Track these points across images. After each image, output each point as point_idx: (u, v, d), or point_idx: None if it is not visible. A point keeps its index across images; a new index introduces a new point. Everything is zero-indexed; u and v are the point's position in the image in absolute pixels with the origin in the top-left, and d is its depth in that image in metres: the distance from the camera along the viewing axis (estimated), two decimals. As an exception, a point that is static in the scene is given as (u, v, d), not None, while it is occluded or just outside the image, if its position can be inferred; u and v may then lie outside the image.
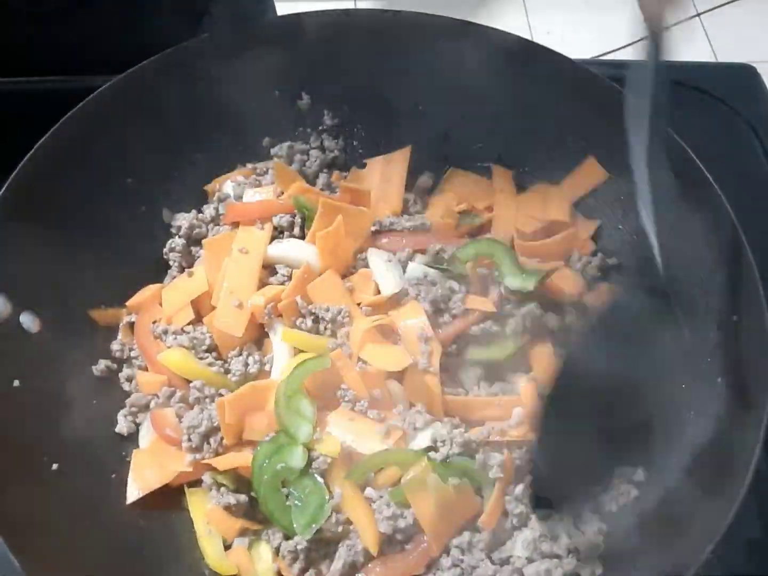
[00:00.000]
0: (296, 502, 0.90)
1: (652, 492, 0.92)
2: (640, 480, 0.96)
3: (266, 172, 1.18)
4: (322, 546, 0.92)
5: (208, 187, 1.19)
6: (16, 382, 0.92)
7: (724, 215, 0.94)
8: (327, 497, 0.90)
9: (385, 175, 1.18)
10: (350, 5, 2.79)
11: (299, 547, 0.89)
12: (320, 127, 1.23)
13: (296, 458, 0.89)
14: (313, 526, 0.88)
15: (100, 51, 1.19)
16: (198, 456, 0.95)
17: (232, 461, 0.94)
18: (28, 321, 0.96)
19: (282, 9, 1.73)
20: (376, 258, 1.08)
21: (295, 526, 0.89)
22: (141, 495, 0.95)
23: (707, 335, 0.95)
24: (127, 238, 1.11)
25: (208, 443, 0.96)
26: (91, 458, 0.97)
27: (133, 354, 1.06)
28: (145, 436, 1.01)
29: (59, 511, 0.89)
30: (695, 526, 0.83)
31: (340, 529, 0.90)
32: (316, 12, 1.12)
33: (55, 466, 0.92)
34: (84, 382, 1.02)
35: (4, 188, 0.95)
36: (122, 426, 1.01)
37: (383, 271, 1.06)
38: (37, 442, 0.92)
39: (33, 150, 0.98)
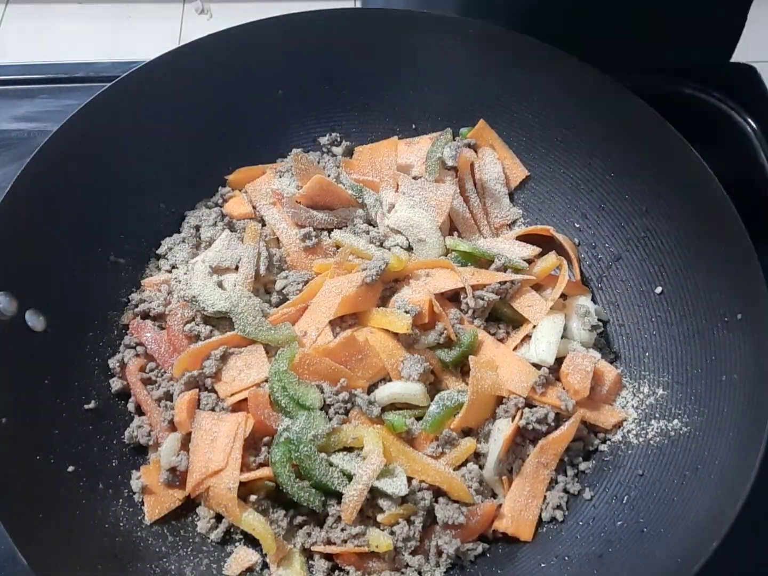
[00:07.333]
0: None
1: (656, 487, 0.93)
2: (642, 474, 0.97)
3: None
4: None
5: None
6: (24, 381, 0.92)
7: (730, 216, 0.95)
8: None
9: (375, 162, 1.21)
10: (350, 4, 2.79)
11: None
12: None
13: (319, 422, 0.94)
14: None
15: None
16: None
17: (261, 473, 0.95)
18: (33, 319, 0.96)
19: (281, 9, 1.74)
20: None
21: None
22: (161, 515, 0.96)
23: (712, 332, 0.96)
24: (133, 237, 1.11)
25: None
26: (100, 458, 0.97)
27: (139, 350, 1.05)
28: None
29: (69, 510, 0.90)
30: (701, 521, 0.83)
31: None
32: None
33: (71, 468, 0.93)
34: (92, 380, 1.02)
35: (9, 186, 0.95)
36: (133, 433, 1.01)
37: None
38: (47, 443, 0.92)
39: (38, 148, 0.99)
